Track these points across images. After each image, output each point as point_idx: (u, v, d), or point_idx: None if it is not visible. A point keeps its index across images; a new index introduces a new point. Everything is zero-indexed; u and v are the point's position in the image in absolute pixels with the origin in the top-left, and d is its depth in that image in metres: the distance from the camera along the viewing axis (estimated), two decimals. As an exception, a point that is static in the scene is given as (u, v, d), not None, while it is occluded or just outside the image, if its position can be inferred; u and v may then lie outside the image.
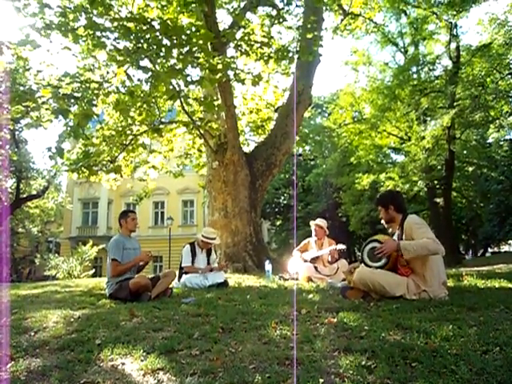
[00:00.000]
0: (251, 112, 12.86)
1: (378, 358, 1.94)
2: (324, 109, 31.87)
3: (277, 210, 34.73)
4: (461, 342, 2.11)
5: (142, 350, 2.26)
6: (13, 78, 7.71)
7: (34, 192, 22.37)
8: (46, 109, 6.67)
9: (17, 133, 20.04)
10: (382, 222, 3.87)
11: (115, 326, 2.88)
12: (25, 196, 21.72)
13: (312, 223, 6.17)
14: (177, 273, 5.28)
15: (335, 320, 2.78)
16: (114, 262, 4.31)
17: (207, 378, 1.86)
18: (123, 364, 2.11)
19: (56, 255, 18.54)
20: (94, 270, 17.43)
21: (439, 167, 19.85)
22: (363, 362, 1.90)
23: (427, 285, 3.36)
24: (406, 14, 19.91)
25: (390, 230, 3.82)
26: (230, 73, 7.66)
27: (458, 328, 2.36)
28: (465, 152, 21.30)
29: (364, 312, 2.98)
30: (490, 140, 23.51)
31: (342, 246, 5.64)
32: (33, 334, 2.77)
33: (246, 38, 9.02)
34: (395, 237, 3.67)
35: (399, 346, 2.09)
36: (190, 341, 2.43)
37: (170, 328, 2.80)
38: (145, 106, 8.71)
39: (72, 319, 3.20)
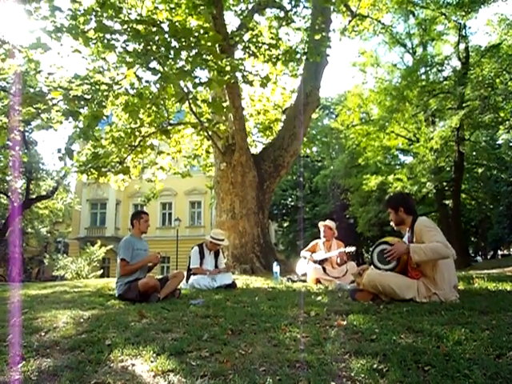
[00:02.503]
0: (259, 113, 12.88)
1: (389, 361, 1.93)
2: (332, 110, 31.77)
3: (284, 211, 34.66)
4: (473, 345, 2.08)
5: (151, 351, 2.26)
6: (24, 81, 7.79)
7: (44, 193, 22.54)
8: (57, 110, 6.75)
9: (27, 134, 20.25)
10: (392, 224, 3.85)
11: (125, 327, 2.89)
12: (34, 197, 21.91)
13: (321, 224, 6.14)
14: (185, 274, 5.29)
15: (345, 322, 2.76)
16: (123, 261, 4.34)
17: (218, 380, 1.85)
18: (133, 365, 2.11)
19: (64, 255, 18.71)
20: (102, 271, 17.54)
21: (448, 169, 19.69)
22: (375, 366, 1.89)
23: (438, 288, 3.33)
24: (414, 15, 19.82)
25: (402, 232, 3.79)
26: (238, 74, 7.67)
27: (470, 332, 2.33)
28: (474, 153, 21.11)
29: (374, 315, 2.96)
30: (500, 141, 23.32)
31: (351, 249, 5.60)
32: (43, 334, 2.78)
33: (254, 39, 9.05)
34: (405, 239, 3.64)
35: (411, 349, 2.07)
36: (199, 342, 2.43)
37: (180, 329, 2.80)
38: (153, 107, 8.76)
39: (82, 320, 3.21)
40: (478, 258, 37.68)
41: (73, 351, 2.37)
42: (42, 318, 3.28)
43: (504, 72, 15.61)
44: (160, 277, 4.77)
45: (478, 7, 14.55)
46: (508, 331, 2.32)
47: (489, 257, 37.57)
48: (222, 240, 5.73)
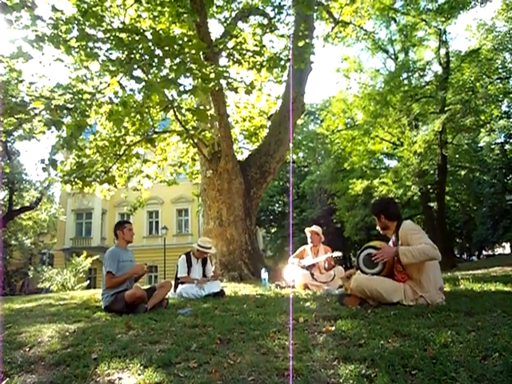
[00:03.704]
0: (244, 120, 12.90)
1: (377, 366, 1.93)
2: (316, 116, 32.05)
3: (271, 217, 34.71)
4: (460, 348, 2.11)
5: (139, 364, 2.23)
6: (5, 90, 7.68)
7: (27, 204, 22.16)
8: (39, 120, 6.66)
9: (9, 144, 19.90)
10: (378, 228, 3.88)
11: (111, 340, 2.84)
12: (17, 208, 21.51)
13: (307, 230, 6.16)
14: (172, 283, 5.25)
15: (333, 328, 2.76)
16: (109, 274, 4.26)
17: (206, 391, 1.84)
18: (120, 379, 2.08)
19: (49, 267, 18.36)
20: (88, 282, 17.28)
21: (432, 172, 19.99)
22: (363, 371, 1.89)
23: (424, 290, 3.35)
24: (395, 21, 20.16)
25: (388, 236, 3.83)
26: (223, 82, 7.69)
27: (456, 334, 2.35)
28: (457, 156, 21.49)
29: (362, 319, 2.97)
30: (482, 144, 23.81)
31: (338, 254, 5.63)
32: (27, 349, 2.73)
33: (238, 47, 9.09)
34: (390, 243, 3.67)
35: (398, 353, 2.07)
36: (187, 353, 2.40)
37: (167, 340, 2.77)
38: (138, 116, 8.71)
39: (67, 333, 3.15)
40: (474, 258, 37.98)
41: (58, 366, 2.33)
42: (26, 332, 3.21)
43: (484, 76, 16.00)
44: (147, 287, 4.71)
45: (457, 13, 14.90)
46: (493, 332, 2.35)
47: (474, 257, 38.12)
48: (210, 248, 5.69)
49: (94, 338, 2.91)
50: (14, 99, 7.65)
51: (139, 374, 2.09)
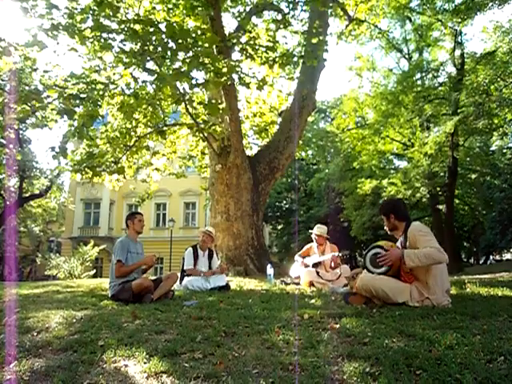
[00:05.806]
0: (255, 115, 12.88)
1: (381, 365, 1.93)
2: (327, 113, 31.89)
3: (278, 213, 34.68)
4: (465, 350, 2.10)
5: (144, 353, 2.25)
6: (19, 78, 7.76)
7: (37, 191, 22.40)
8: (52, 109, 6.71)
9: (21, 132, 20.11)
10: (386, 228, 3.87)
11: (118, 328, 2.88)
12: (27, 195, 21.76)
13: (312, 233, 6.11)
14: (178, 275, 5.29)
15: (338, 326, 2.77)
16: (119, 262, 4.32)
17: (211, 381, 1.85)
18: (126, 366, 2.11)
19: (57, 255, 18.56)
20: (94, 271, 17.43)
21: (442, 174, 19.82)
22: (367, 369, 1.89)
23: (430, 292, 3.34)
24: (410, 21, 19.96)
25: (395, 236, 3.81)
26: (235, 76, 7.68)
27: (461, 336, 2.35)
28: (468, 159, 21.27)
29: (367, 318, 2.97)
30: (494, 147, 23.54)
31: (344, 252, 5.63)
32: (35, 334, 2.77)
33: (252, 41, 9.06)
34: (398, 244, 3.66)
35: (403, 353, 2.07)
36: (192, 344, 2.42)
37: (173, 331, 2.79)
38: (149, 108, 8.74)
39: (74, 320, 3.19)
40: (490, 261, 37.31)
41: (65, 352, 2.36)
42: (34, 317, 3.26)
43: (499, 79, 15.76)
44: (154, 278, 4.75)
45: (473, 14, 14.65)
46: (499, 336, 2.34)
47: (481, 262, 37.76)
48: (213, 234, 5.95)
49: (101, 325, 2.94)
50: (27, 87, 7.72)
51: (145, 363, 2.12)
